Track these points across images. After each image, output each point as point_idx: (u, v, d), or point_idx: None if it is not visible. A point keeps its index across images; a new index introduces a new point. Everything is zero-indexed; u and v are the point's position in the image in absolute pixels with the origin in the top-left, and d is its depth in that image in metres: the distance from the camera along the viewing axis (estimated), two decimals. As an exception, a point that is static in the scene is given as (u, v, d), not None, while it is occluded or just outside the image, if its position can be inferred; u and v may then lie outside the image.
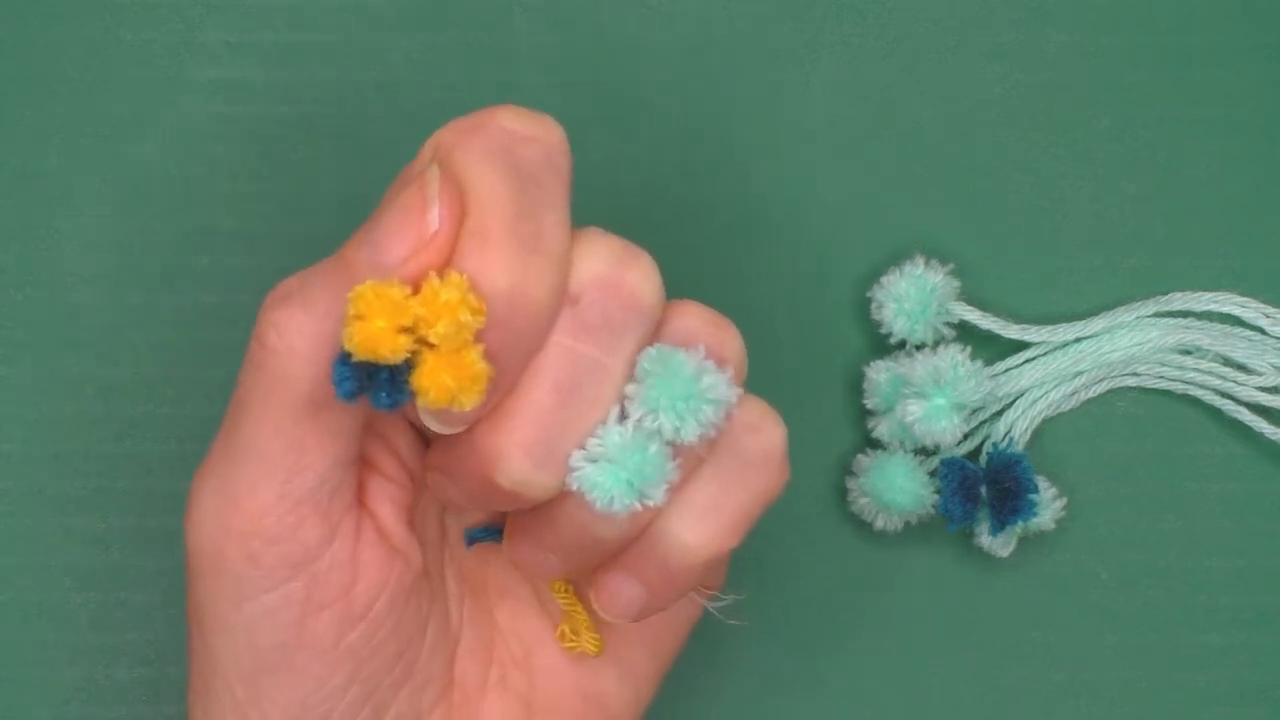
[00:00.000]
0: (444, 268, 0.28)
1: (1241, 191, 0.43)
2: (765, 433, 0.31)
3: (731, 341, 0.31)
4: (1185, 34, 0.43)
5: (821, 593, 0.42)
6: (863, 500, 0.41)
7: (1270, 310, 0.42)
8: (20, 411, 0.41)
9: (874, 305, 0.41)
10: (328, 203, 0.42)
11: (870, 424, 0.41)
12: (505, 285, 0.28)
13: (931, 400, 0.39)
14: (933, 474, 0.41)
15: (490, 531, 0.34)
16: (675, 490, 0.30)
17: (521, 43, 0.43)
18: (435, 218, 0.28)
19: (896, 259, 0.41)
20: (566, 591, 0.34)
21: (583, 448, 0.29)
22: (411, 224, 0.28)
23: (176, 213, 0.42)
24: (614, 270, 0.29)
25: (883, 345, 0.41)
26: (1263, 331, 0.42)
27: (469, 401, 0.28)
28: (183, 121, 0.42)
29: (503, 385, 0.29)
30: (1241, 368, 0.42)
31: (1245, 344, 0.42)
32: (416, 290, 0.28)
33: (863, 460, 0.41)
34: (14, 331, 0.41)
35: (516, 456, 0.29)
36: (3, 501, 0.41)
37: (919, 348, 0.41)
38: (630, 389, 0.29)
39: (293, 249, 0.42)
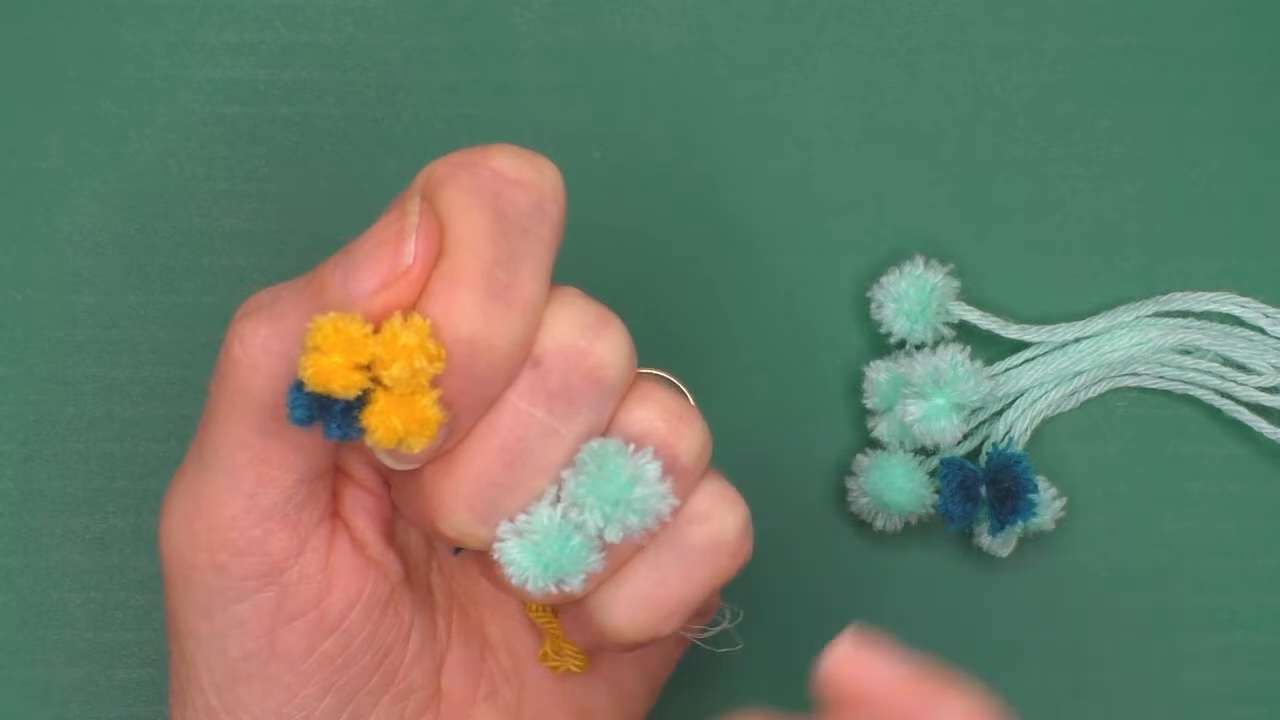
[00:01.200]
0: (409, 306, 0.28)
1: (1241, 191, 0.43)
2: (715, 521, 0.30)
3: (690, 437, 0.30)
4: (1185, 34, 0.43)
5: (821, 593, 0.42)
6: (863, 500, 0.41)
7: (1270, 310, 0.42)
8: (20, 411, 0.41)
9: (874, 305, 0.41)
10: (328, 203, 0.42)
11: (870, 424, 0.41)
12: (468, 332, 0.27)
13: (931, 400, 0.39)
14: (933, 474, 0.41)
15: None
16: (607, 574, 0.30)
17: (521, 43, 0.43)
18: (410, 252, 0.28)
19: (896, 259, 0.41)
20: (544, 611, 0.34)
21: (511, 520, 0.29)
22: (386, 255, 0.28)
23: (176, 213, 0.42)
24: (582, 338, 0.29)
25: (883, 345, 0.41)
26: (1262, 331, 0.42)
27: (417, 445, 0.28)
28: (183, 121, 0.42)
29: (457, 431, 0.28)
30: (1241, 368, 0.42)
31: (1245, 344, 0.42)
32: (378, 326, 0.27)
33: (863, 460, 0.41)
34: (14, 331, 0.41)
35: (460, 509, 0.29)
36: (3, 502, 0.41)
37: (919, 348, 0.41)
38: (566, 474, 0.29)
39: (292, 249, 0.42)
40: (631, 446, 0.29)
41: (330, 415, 0.28)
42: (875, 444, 0.41)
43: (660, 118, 0.43)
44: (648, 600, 0.30)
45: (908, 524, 0.41)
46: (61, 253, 0.42)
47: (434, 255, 0.28)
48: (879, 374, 0.41)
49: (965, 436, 0.41)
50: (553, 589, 0.29)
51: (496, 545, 0.29)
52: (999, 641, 0.42)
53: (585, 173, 0.41)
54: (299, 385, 0.28)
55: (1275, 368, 0.41)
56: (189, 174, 0.42)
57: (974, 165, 0.43)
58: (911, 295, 0.41)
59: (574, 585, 0.29)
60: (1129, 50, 0.43)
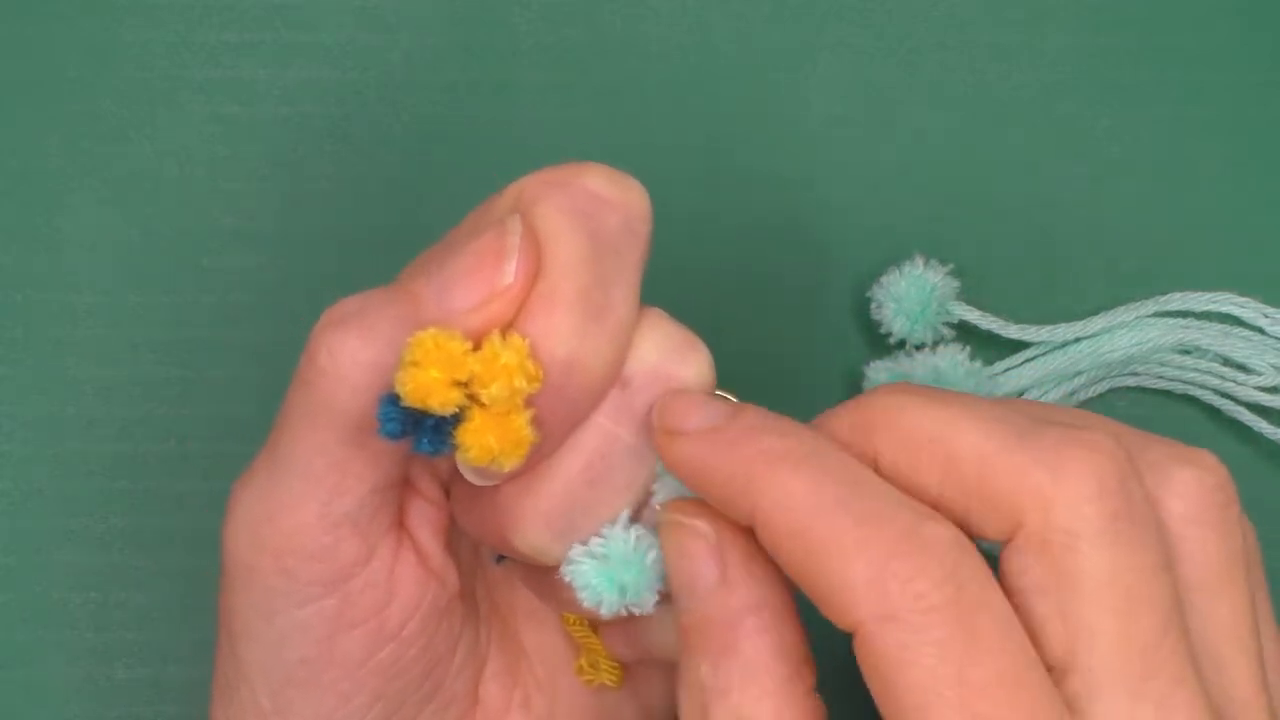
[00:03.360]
0: (508, 326, 0.28)
1: (1241, 191, 0.43)
2: None
3: None
4: (1185, 34, 0.43)
5: (821, 593, 0.42)
6: (863, 500, 0.41)
7: (1269, 310, 0.42)
8: (20, 411, 0.41)
9: (874, 305, 0.41)
10: (328, 203, 0.42)
11: (870, 424, 0.41)
12: (564, 353, 0.28)
13: (931, 400, 0.39)
14: (933, 474, 0.41)
15: None
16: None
17: (521, 43, 0.43)
18: (511, 271, 0.28)
19: (896, 259, 0.41)
20: (582, 624, 0.34)
21: (586, 541, 0.29)
22: (486, 273, 0.28)
23: (176, 213, 0.42)
24: (669, 360, 0.29)
25: (883, 345, 0.42)
26: (1262, 331, 0.42)
27: (509, 464, 0.28)
28: (183, 121, 0.42)
29: (544, 451, 0.28)
30: (1241, 367, 0.42)
31: (1244, 344, 0.42)
32: (477, 344, 0.27)
33: (863, 460, 0.41)
34: (14, 331, 0.41)
35: (538, 525, 0.29)
36: (3, 501, 0.41)
37: (919, 348, 0.41)
38: (655, 485, 0.29)
39: (292, 249, 0.42)
40: None
41: (422, 430, 0.27)
42: (875, 444, 0.41)
43: (660, 118, 0.43)
44: None
45: (908, 524, 0.41)
46: (61, 253, 0.42)
47: (533, 275, 0.28)
48: (879, 374, 0.41)
49: (965, 436, 0.41)
50: (624, 611, 0.29)
51: (569, 568, 0.29)
52: (999, 641, 0.42)
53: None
54: (393, 399, 0.27)
55: (1275, 368, 0.41)
56: (189, 174, 0.42)
57: (974, 165, 0.43)
58: (911, 295, 0.41)
59: (645, 608, 0.29)
60: (1129, 50, 0.43)
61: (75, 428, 0.41)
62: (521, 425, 0.27)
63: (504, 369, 0.27)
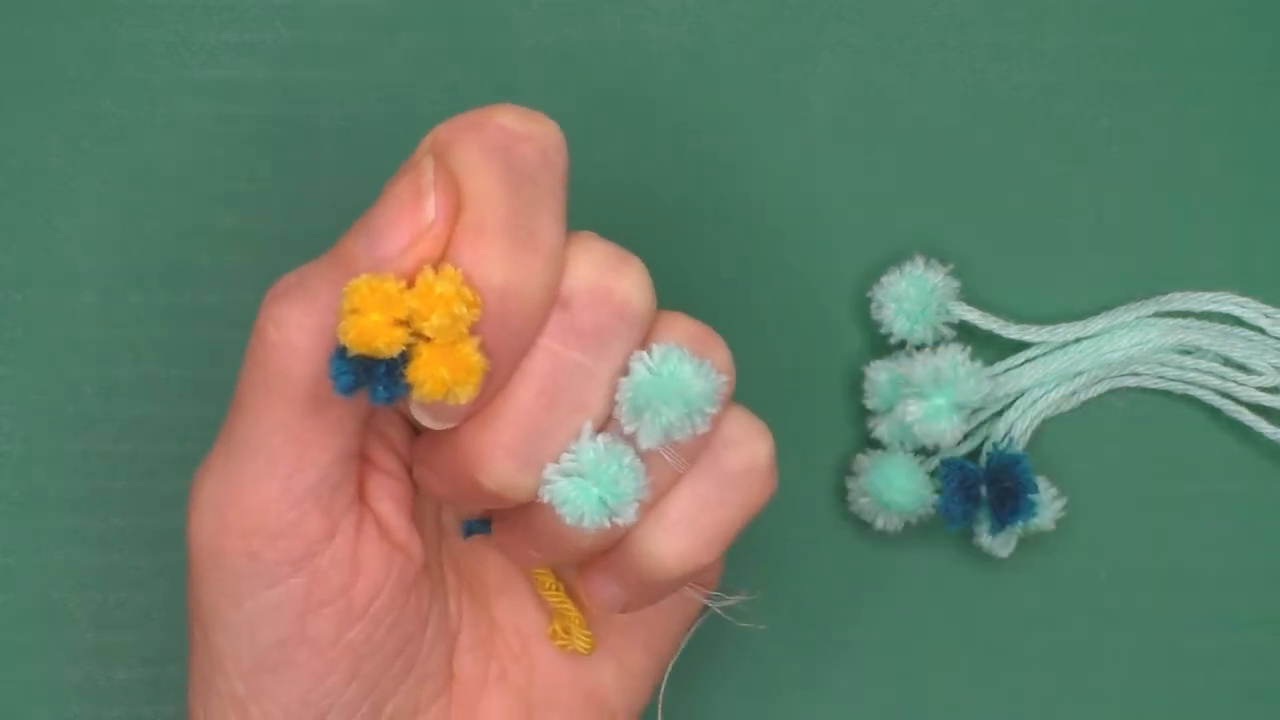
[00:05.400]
0: (439, 261, 0.28)
1: (1241, 191, 0.43)
2: (749, 447, 0.31)
3: (721, 353, 0.31)
4: (1185, 34, 0.43)
5: (821, 592, 0.42)
6: (863, 500, 0.41)
7: (1270, 310, 0.42)
8: (20, 411, 0.41)
9: (874, 305, 0.41)
10: (328, 203, 0.42)
11: (870, 424, 0.41)
12: (499, 281, 0.28)
13: (931, 400, 0.39)
14: (933, 474, 0.41)
15: (485, 522, 0.34)
16: (651, 505, 0.30)
17: (522, 43, 0.43)
18: (431, 209, 0.28)
19: (896, 259, 0.41)
20: (557, 589, 0.34)
21: (556, 460, 0.29)
22: (407, 215, 0.28)
23: (176, 213, 0.42)
24: (606, 276, 0.29)
25: (883, 345, 0.41)
26: (1262, 331, 0.42)
27: (464, 394, 0.28)
28: (183, 121, 0.42)
29: (495, 382, 0.29)
30: (1241, 368, 0.42)
31: (1245, 344, 0.42)
32: (411, 284, 0.28)
33: (863, 460, 0.41)
34: (14, 331, 0.41)
35: (500, 458, 0.29)
36: (3, 501, 0.41)
37: (919, 348, 0.41)
38: (623, 382, 0.30)
39: (293, 249, 0.42)
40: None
41: (374, 378, 0.28)
42: (875, 444, 0.41)
43: (660, 118, 0.43)
44: (691, 527, 0.31)
45: (908, 524, 0.41)
46: (61, 253, 0.42)
47: (454, 210, 0.28)
48: (879, 374, 0.41)
49: (965, 436, 0.41)
50: (607, 522, 0.29)
51: (545, 488, 0.29)
52: (999, 641, 0.42)
53: (584, 173, 0.41)
54: (340, 352, 0.28)
55: (1275, 368, 0.41)
56: (189, 174, 0.42)
57: (974, 165, 0.43)
58: (911, 295, 0.41)
59: (627, 516, 0.29)
60: (1129, 50, 0.43)
61: (75, 428, 0.41)
62: (470, 352, 0.28)
63: (441, 298, 0.28)
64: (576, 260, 0.29)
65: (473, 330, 0.28)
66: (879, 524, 0.41)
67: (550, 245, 0.29)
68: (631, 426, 0.29)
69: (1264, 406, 0.42)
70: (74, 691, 0.41)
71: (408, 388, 0.28)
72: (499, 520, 0.33)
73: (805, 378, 0.42)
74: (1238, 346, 0.42)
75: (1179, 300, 0.42)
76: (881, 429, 0.41)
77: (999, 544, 0.41)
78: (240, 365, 0.30)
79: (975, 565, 0.42)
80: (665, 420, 0.29)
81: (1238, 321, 0.42)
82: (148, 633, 0.41)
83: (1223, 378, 0.42)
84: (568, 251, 0.29)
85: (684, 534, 0.31)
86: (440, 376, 0.28)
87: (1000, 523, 0.40)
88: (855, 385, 0.42)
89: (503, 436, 0.29)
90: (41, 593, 0.41)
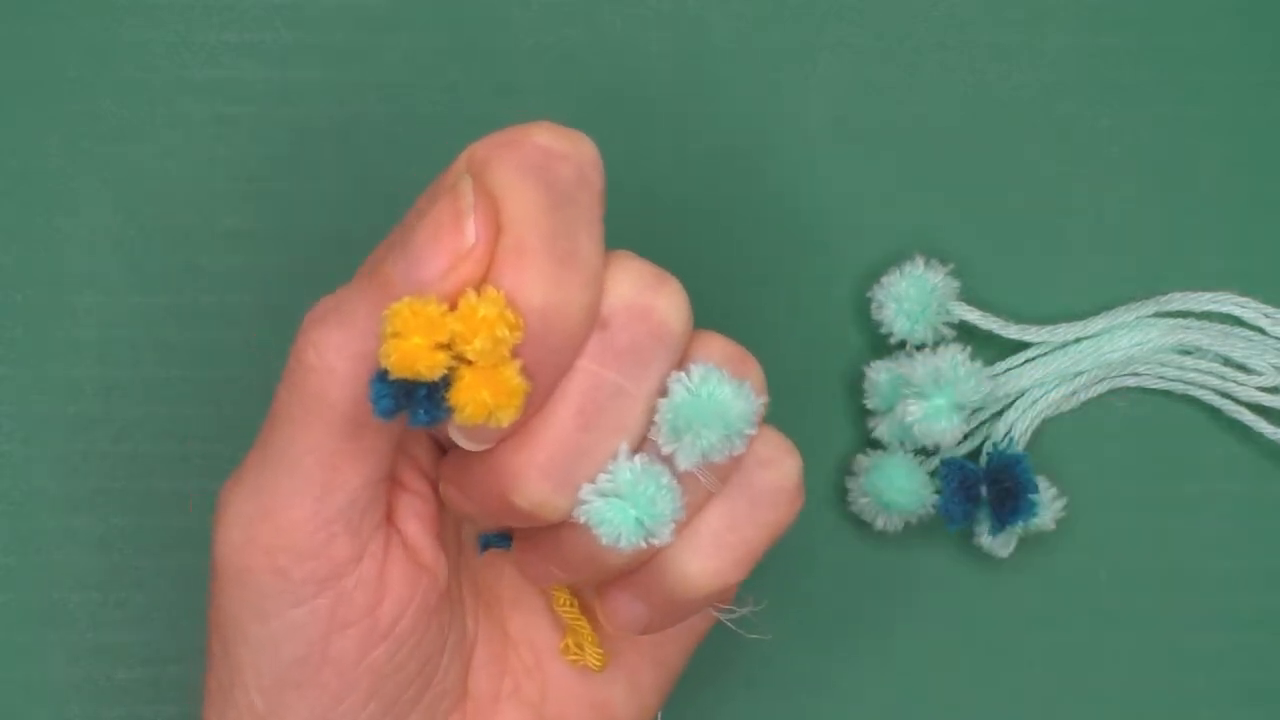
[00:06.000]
0: (480, 283, 0.28)
1: (1241, 191, 0.43)
2: (780, 466, 0.31)
3: (756, 376, 0.31)
4: (1185, 34, 0.43)
5: (821, 593, 0.42)
6: (863, 500, 0.41)
7: (1270, 310, 0.42)
8: (20, 411, 0.41)
9: (874, 305, 0.41)
10: (327, 203, 0.42)
11: (870, 424, 0.41)
12: (540, 302, 0.28)
13: (931, 400, 0.39)
14: (933, 474, 0.41)
15: (503, 538, 0.34)
16: (684, 524, 0.30)
17: (522, 43, 0.43)
18: (471, 231, 0.28)
19: (896, 259, 0.41)
20: (571, 605, 0.34)
21: (593, 481, 0.29)
22: (447, 237, 0.28)
23: (176, 213, 0.42)
24: (644, 295, 0.29)
25: (883, 345, 0.41)
26: (1262, 331, 0.42)
27: (506, 418, 0.28)
28: (183, 121, 0.42)
29: (535, 403, 0.28)
30: (1241, 368, 0.42)
31: (1245, 344, 0.42)
32: (453, 307, 0.28)
33: (863, 460, 0.41)
34: (14, 331, 0.41)
35: (535, 479, 0.29)
36: (3, 502, 0.41)
37: (919, 348, 0.41)
38: (661, 404, 0.29)
39: (292, 249, 0.42)
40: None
41: (415, 401, 0.27)
42: (875, 444, 0.41)
43: (660, 118, 0.43)
44: (722, 546, 0.31)
45: (908, 524, 0.41)
46: (61, 253, 0.42)
47: (494, 232, 0.28)
48: (879, 374, 0.41)
49: (965, 436, 0.41)
50: (643, 543, 0.29)
51: (582, 508, 0.29)
52: (999, 641, 0.42)
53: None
54: (381, 376, 0.27)
55: (1275, 368, 0.41)
56: (189, 174, 0.42)
57: (974, 165, 0.43)
58: (911, 295, 0.41)
59: (664, 536, 0.29)
60: (1129, 50, 0.43)
61: (75, 428, 0.41)
62: (512, 375, 0.28)
63: (484, 321, 0.27)
64: (615, 280, 0.29)
65: (514, 352, 0.28)
66: (879, 524, 0.41)
67: (590, 265, 0.29)
68: (670, 448, 0.29)
69: (1264, 406, 0.42)
70: (74, 691, 0.41)
71: (449, 411, 0.28)
72: (520, 538, 0.32)
73: (805, 378, 0.42)
74: (1238, 346, 0.42)
75: (1179, 300, 0.42)
76: (881, 429, 0.41)
77: (999, 544, 0.41)
78: (278, 383, 0.30)
79: (975, 565, 0.42)
80: (705, 442, 0.29)
81: (1238, 321, 0.42)
82: (148, 633, 0.41)
83: (1223, 378, 0.42)
84: (606, 271, 0.29)
85: (715, 553, 0.31)
86: (483, 400, 0.27)
87: (1000, 523, 0.40)
88: (855, 385, 0.42)
89: (538, 457, 0.29)
90: (41, 593, 0.41)
